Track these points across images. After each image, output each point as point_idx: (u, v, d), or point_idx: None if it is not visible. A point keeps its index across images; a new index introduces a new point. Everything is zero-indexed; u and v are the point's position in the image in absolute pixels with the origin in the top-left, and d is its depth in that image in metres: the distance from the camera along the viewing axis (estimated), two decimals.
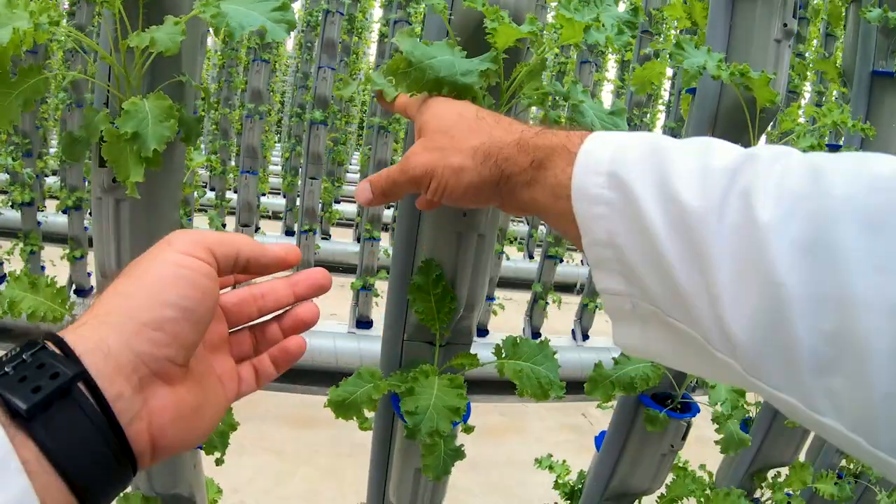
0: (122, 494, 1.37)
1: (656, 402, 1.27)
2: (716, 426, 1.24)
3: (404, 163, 0.70)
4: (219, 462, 1.42)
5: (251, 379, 0.59)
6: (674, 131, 5.32)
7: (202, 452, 1.41)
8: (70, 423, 0.40)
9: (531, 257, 7.33)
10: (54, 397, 0.40)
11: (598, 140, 0.57)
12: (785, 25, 1.17)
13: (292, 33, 0.76)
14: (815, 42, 4.61)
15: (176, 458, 1.34)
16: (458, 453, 0.97)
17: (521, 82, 0.84)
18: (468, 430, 1.37)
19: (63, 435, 0.40)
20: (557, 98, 0.85)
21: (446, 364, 0.98)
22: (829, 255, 0.41)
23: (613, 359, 1.17)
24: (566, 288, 6.92)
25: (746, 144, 1.16)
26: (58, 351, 0.42)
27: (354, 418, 0.99)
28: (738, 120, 1.13)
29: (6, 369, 0.40)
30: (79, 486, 0.40)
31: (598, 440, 1.42)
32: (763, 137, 1.18)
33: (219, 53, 6.35)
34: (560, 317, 5.76)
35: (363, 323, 4.74)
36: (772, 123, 1.19)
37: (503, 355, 0.93)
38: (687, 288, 0.48)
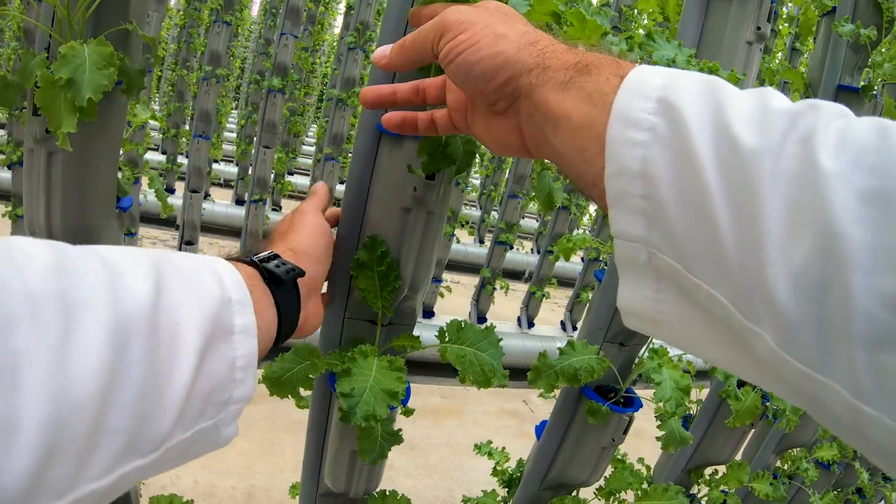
0: None
1: (599, 394, 1.26)
2: (658, 423, 1.24)
3: (437, 17, 0.65)
4: None
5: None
6: None
7: None
8: (289, 297, 0.70)
9: (481, 242, 7.35)
10: (294, 278, 0.71)
11: (650, 67, 0.51)
12: (758, 28, 1.16)
13: None
14: (779, 55, 4.67)
15: None
16: (396, 437, 0.94)
17: None
18: (408, 412, 1.34)
19: (286, 301, 0.69)
20: None
21: (387, 345, 0.95)
22: None
23: (559, 349, 1.15)
24: (514, 275, 6.97)
25: None
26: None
27: (290, 396, 0.96)
28: None
29: (271, 259, 0.71)
30: (279, 332, 0.68)
31: (539, 429, 1.41)
32: None
33: (180, 13, 6.18)
34: (506, 303, 5.80)
35: None
36: None
37: (447, 339, 0.90)
38: (727, 232, 0.42)
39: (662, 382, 1.09)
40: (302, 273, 0.72)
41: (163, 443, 0.49)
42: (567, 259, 1.43)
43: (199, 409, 0.53)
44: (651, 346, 1.20)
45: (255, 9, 9.27)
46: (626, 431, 1.27)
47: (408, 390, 1.01)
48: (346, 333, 1.00)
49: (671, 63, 1.02)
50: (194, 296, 0.53)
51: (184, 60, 5.92)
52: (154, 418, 0.48)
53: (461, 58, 0.60)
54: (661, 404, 1.08)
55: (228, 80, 5.48)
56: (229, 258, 0.67)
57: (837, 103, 0.44)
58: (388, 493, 1.13)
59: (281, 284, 0.69)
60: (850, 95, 1.72)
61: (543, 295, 5.44)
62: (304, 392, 0.94)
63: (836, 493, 2.51)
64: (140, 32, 0.99)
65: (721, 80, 0.48)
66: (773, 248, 0.40)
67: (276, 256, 0.72)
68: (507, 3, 0.71)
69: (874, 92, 1.67)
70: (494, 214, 6.31)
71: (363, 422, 0.75)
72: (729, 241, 0.42)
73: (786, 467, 2.25)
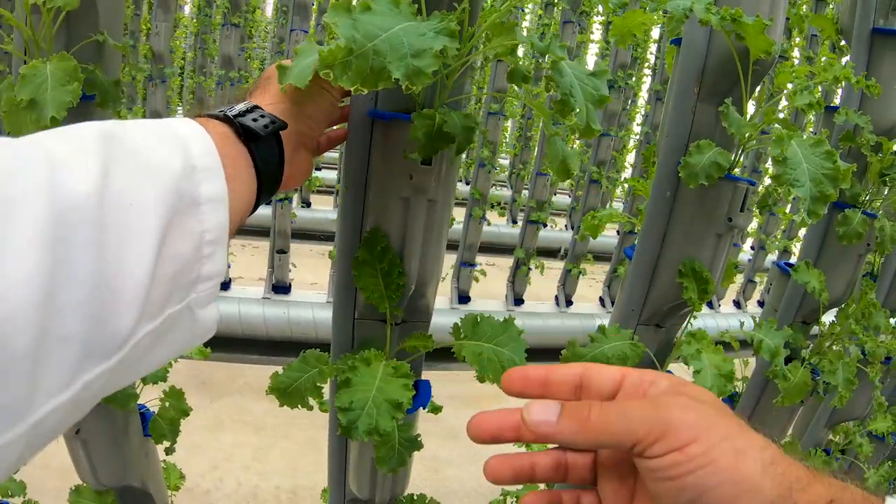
0: (74, 488, 1.29)
1: None
2: None
3: (651, 402, 0.50)
4: (169, 451, 1.34)
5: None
6: (659, 94, 5.22)
7: (152, 441, 1.32)
8: (270, 150, 0.65)
9: (514, 222, 7.25)
10: (274, 132, 0.64)
11: None
12: None
13: None
14: (804, 7, 4.51)
15: (123, 449, 1.25)
16: (415, 443, 0.88)
17: (488, 33, 0.73)
18: (436, 410, 1.28)
19: (266, 156, 0.64)
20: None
21: (400, 346, 0.88)
22: None
23: (589, 336, 1.07)
24: (550, 253, 6.88)
25: (738, 100, 1.06)
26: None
27: (300, 406, 0.90)
28: (729, 73, 1.02)
29: (248, 112, 0.64)
30: (260, 188, 0.63)
31: None
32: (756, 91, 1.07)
33: (194, 21, 6.21)
34: (543, 283, 5.71)
35: None
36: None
37: (462, 335, 0.82)
38: None
39: (702, 370, 0.98)
40: (283, 125, 0.66)
41: (127, 339, 0.45)
42: (595, 236, 1.35)
43: (165, 293, 0.49)
44: (689, 327, 1.11)
45: (268, 9, 9.29)
46: None
47: (428, 389, 0.94)
48: (357, 335, 0.94)
49: (689, 13, 0.93)
50: (150, 171, 0.48)
51: (200, 67, 5.93)
52: (113, 315, 0.44)
53: (692, 479, 0.46)
54: None
55: (247, 81, 5.46)
56: (199, 116, 0.62)
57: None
58: (415, 497, 1.08)
59: (258, 140, 0.62)
60: (885, 39, 1.60)
61: (580, 272, 5.35)
62: (312, 401, 0.88)
63: (890, 463, 2.40)
64: (111, 41, 0.96)
65: None
66: None
67: (254, 108, 0.65)
68: None
69: None
70: (526, 193, 6.23)
71: (365, 437, 0.68)
72: None
73: (838, 439, 2.14)
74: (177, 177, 0.50)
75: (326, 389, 0.93)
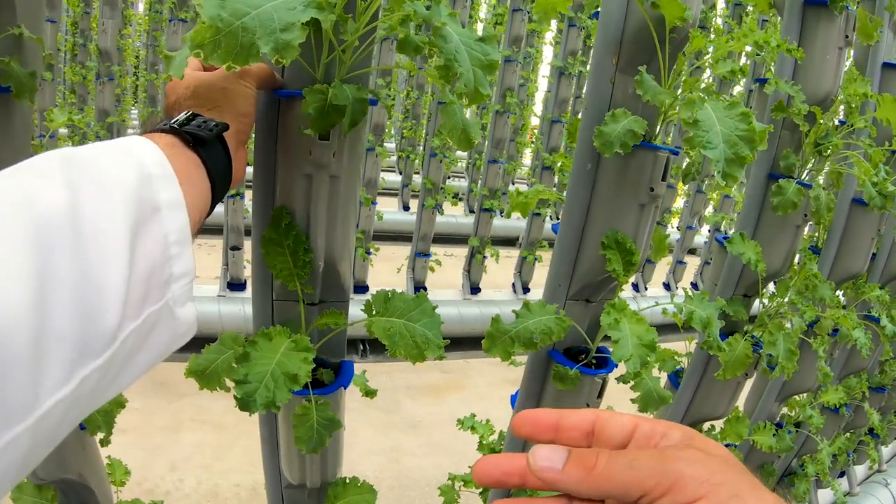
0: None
1: (570, 357, 1.18)
2: (631, 384, 1.14)
3: (660, 453, 0.48)
4: (104, 443, 1.31)
5: None
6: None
7: (88, 434, 1.29)
8: (217, 154, 0.69)
9: (471, 212, 7.26)
10: (219, 134, 0.69)
11: None
12: None
13: None
14: None
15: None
16: (334, 423, 0.86)
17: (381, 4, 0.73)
18: (370, 393, 1.26)
19: (214, 158, 0.68)
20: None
21: (313, 325, 0.87)
22: None
23: (514, 311, 1.06)
24: (509, 242, 6.90)
25: (657, 70, 1.05)
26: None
27: (218, 388, 0.90)
28: (646, 43, 1.02)
29: (191, 120, 0.69)
30: (213, 192, 0.68)
31: (514, 398, 1.33)
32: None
33: (146, 18, 6.14)
34: (500, 271, 5.75)
35: None
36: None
37: (374, 312, 0.81)
38: None
39: (621, 339, 0.97)
40: (226, 127, 0.71)
41: (115, 337, 0.50)
42: (524, 215, 1.34)
43: (143, 293, 0.54)
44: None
45: None
46: (601, 395, 1.19)
47: (350, 370, 0.94)
48: (277, 317, 0.93)
49: None
50: (111, 184, 0.53)
51: (152, 65, 5.86)
52: (99, 313, 0.49)
53: None
54: (624, 364, 0.97)
55: None
56: (146, 132, 0.67)
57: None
58: (348, 481, 1.06)
59: (206, 144, 0.68)
60: (819, 10, 1.59)
61: (535, 259, 5.39)
62: (229, 382, 0.88)
63: (847, 435, 2.43)
64: (27, 34, 0.98)
65: None
66: None
67: (195, 116, 0.70)
68: None
69: (844, 3, 1.55)
70: (481, 182, 6.24)
71: (262, 409, 0.69)
72: None
73: (793, 414, 2.17)
74: (136, 187, 0.55)
75: None
